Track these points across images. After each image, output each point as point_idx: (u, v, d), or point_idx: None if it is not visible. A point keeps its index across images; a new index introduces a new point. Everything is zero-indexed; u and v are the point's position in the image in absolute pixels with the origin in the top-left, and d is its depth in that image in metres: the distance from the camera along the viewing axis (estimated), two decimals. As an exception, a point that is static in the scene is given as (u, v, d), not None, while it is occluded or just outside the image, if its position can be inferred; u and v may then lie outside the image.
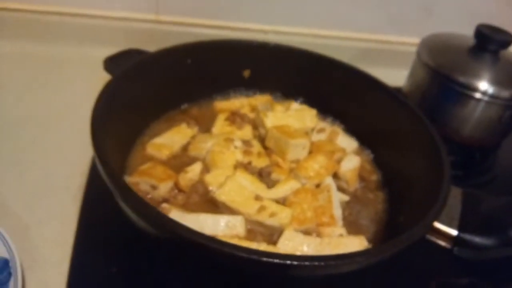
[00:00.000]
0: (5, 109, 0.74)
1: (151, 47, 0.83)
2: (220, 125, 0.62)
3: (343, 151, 0.60)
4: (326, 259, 0.35)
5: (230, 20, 0.95)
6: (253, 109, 0.66)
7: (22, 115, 0.72)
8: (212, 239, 0.36)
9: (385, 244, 0.39)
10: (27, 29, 0.88)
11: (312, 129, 0.64)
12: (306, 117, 0.64)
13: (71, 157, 0.66)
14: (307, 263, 0.34)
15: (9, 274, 0.46)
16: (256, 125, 0.62)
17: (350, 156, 0.59)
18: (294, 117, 0.62)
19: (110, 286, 0.50)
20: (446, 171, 0.46)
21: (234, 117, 0.62)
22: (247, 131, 0.62)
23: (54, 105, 0.76)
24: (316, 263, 0.34)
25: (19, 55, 0.86)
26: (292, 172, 0.55)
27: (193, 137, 0.60)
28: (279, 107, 0.64)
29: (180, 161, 0.57)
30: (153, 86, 0.59)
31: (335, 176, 0.57)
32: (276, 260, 0.34)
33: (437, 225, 0.43)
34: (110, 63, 0.56)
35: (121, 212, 0.42)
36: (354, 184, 0.57)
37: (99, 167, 0.41)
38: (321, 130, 0.64)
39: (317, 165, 0.55)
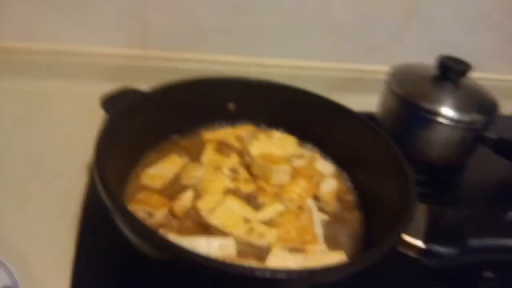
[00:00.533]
0: (1, 142, 0.77)
1: (140, 80, 0.88)
2: (209, 155, 0.67)
3: (322, 175, 0.66)
4: (311, 272, 0.40)
5: (215, 53, 1.01)
6: (238, 138, 0.71)
7: (16, 148, 0.75)
8: (211, 259, 0.40)
9: (360, 257, 0.44)
10: (19, 66, 0.92)
11: (293, 156, 0.70)
12: (287, 144, 0.69)
13: (65, 187, 0.69)
14: (293, 275, 0.39)
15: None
16: (242, 153, 0.67)
17: (328, 179, 0.65)
18: (276, 145, 0.67)
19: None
20: (412, 190, 0.52)
21: (221, 147, 0.68)
22: (233, 159, 0.67)
23: (48, 139, 0.79)
24: (300, 275, 0.39)
25: (12, 91, 0.89)
26: (277, 196, 0.60)
27: (184, 166, 0.65)
28: (262, 136, 0.69)
29: (173, 189, 0.61)
30: (146, 121, 0.64)
31: (315, 198, 0.62)
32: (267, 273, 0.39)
33: (406, 237, 0.49)
34: (107, 103, 0.61)
35: (121, 237, 0.46)
36: (332, 205, 0.62)
37: (104, 196, 0.45)
38: (300, 156, 0.70)
39: (298, 188, 0.60)
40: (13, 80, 0.91)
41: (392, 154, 0.60)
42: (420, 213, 0.52)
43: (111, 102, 0.60)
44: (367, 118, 0.69)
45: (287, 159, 0.67)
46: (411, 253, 0.49)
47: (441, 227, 0.51)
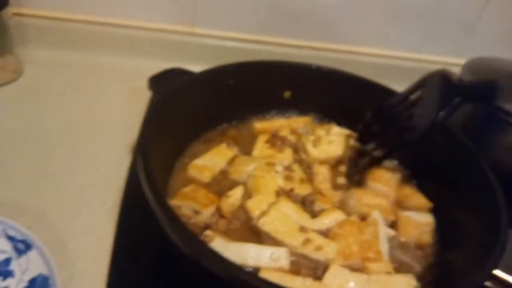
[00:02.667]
0: (43, 117, 0.74)
1: (186, 59, 0.83)
2: (260, 147, 0.61)
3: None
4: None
5: (266, 34, 0.94)
6: (293, 131, 0.64)
7: (59, 124, 0.73)
8: (262, 280, 0.35)
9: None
10: (67, 37, 0.89)
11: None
12: (347, 142, 0.62)
13: (107, 170, 0.66)
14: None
15: (48, 291, 0.46)
16: (296, 149, 0.61)
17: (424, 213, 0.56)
18: (336, 143, 0.60)
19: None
20: (503, 214, 0.44)
21: (275, 140, 0.61)
22: (287, 154, 0.60)
23: (91, 115, 0.76)
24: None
25: (58, 63, 0.87)
26: (339, 202, 0.54)
27: (233, 159, 0.59)
28: (320, 131, 0.62)
29: (220, 184, 0.56)
30: (195, 106, 0.59)
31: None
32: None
33: (495, 271, 0.41)
34: (154, 82, 0.55)
35: (161, 232, 0.42)
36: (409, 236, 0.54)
37: (148, 194, 0.41)
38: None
39: (375, 201, 0.54)
40: (58, 52, 0.88)
41: (475, 166, 0.52)
42: (511, 241, 0.43)
43: (158, 82, 0.55)
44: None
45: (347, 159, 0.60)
46: (498, 290, 0.41)
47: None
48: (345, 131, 0.64)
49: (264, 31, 0.92)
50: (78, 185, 0.62)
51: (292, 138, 0.63)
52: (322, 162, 0.59)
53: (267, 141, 0.61)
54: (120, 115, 0.77)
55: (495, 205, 0.45)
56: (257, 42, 0.93)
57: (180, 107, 0.55)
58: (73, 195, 0.61)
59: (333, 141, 0.60)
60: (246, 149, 0.62)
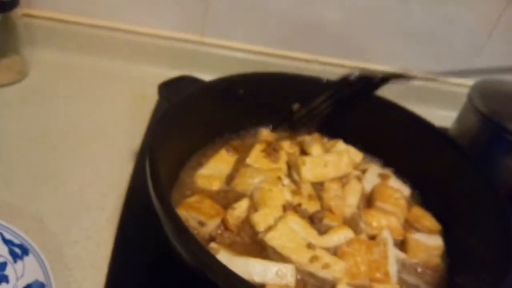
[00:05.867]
0: (45, 120, 0.73)
1: (194, 68, 0.82)
2: (255, 155, 0.59)
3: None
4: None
5: (274, 47, 0.94)
6: (295, 143, 0.63)
7: (61, 127, 0.71)
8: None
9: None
10: (74, 41, 0.88)
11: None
12: (343, 162, 0.60)
13: (108, 176, 0.64)
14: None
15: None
16: (290, 165, 0.59)
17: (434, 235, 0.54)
18: (332, 165, 0.58)
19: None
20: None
21: (270, 150, 0.60)
22: (282, 165, 0.59)
23: (94, 120, 0.75)
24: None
25: (64, 66, 0.86)
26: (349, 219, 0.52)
27: (238, 170, 0.58)
28: (317, 150, 0.61)
29: (226, 195, 0.55)
30: (203, 115, 0.58)
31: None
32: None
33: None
34: (164, 88, 0.55)
35: (163, 240, 0.40)
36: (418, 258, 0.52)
37: (155, 200, 0.39)
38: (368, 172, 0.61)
39: (385, 221, 0.52)
40: (65, 54, 0.88)
41: (485, 188, 0.51)
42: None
43: (169, 89, 0.54)
44: (454, 139, 0.60)
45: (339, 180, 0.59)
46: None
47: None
48: (346, 149, 0.63)
49: (273, 43, 0.92)
50: (78, 190, 0.61)
51: (290, 150, 0.61)
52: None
53: (263, 150, 0.60)
54: (124, 121, 0.76)
55: (507, 227, 0.44)
56: (266, 54, 0.93)
57: (189, 115, 0.55)
58: (73, 200, 0.59)
59: (329, 163, 0.58)
60: (245, 158, 0.60)
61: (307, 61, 0.94)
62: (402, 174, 0.63)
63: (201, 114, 0.57)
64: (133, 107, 0.80)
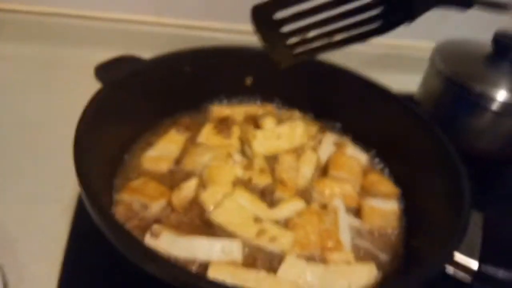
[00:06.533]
0: (-1, 112, 0.71)
1: (152, 50, 0.79)
2: (206, 133, 0.58)
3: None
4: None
5: (236, 22, 0.90)
6: (249, 118, 0.61)
7: (13, 119, 0.69)
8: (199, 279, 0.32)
9: (397, 280, 0.34)
10: (24, 30, 0.85)
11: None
12: (297, 133, 0.58)
13: (64, 167, 0.62)
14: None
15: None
16: (243, 140, 0.58)
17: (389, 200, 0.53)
18: (285, 137, 0.57)
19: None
20: (466, 196, 0.41)
21: (222, 126, 0.58)
22: (234, 142, 0.57)
23: (48, 110, 0.72)
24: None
25: (15, 57, 0.83)
26: (301, 191, 0.51)
27: (186, 148, 0.56)
28: (269, 123, 0.59)
29: (174, 176, 0.53)
30: (148, 96, 0.55)
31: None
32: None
33: (456, 256, 0.38)
34: (102, 71, 0.52)
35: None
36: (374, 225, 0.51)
37: (83, 196, 0.38)
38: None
39: (339, 189, 0.51)
40: (15, 46, 0.84)
41: (441, 149, 0.49)
42: (475, 224, 0.41)
43: (106, 71, 0.52)
44: (409, 101, 0.58)
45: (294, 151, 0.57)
46: (461, 275, 0.39)
47: (501, 242, 0.40)
48: (298, 123, 0.61)
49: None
50: (31, 182, 0.59)
51: (244, 125, 0.59)
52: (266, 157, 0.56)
53: (214, 127, 0.58)
54: (79, 111, 0.74)
55: (458, 189, 0.43)
56: (225, 30, 0.90)
57: (130, 96, 0.52)
58: (25, 193, 0.58)
59: (282, 135, 0.57)
60: (196, 136, 0.58)
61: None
62: (362, 141, 0.62)
63: (144, 94, 0.55)
64: (89, 95, 0.77)
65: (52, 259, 0.50)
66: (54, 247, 0.51)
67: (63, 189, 0.59)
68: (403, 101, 0.58)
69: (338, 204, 0.49)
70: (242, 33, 0.89)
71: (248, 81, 0.64)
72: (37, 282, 0.48)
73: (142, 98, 0.54)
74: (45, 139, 0.66)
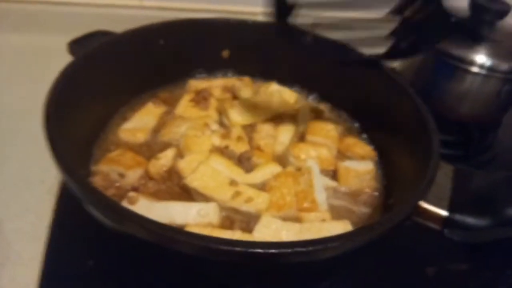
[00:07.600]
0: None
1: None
2: (183, 106, 0.58)
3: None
4: (293, 246, 0.32)
5: (219, 3, 0.90)
6: (227, 90, 0.62)
7: (1, 105, 0.69)
8: (167, 229, 0.32)
9: (364, 228, 0.35)
10: (7, 19, 0.85)
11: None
12: (274, 103, 0.58)
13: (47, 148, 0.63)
14: (273, 250, 0.31)
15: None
16: (220, 111, 0.58)
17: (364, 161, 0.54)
18: (261, 105, 0.57)
19: (86, 280, 0.47)
20: (434, 147, 0.42)
21: (199, 98, 0.58)
22: (212, 113, 0.58)
23: (30, 97, 0.72)
24: (285, 250, 0.31)
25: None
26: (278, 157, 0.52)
27: (164, 120, 0.57)
28: (247, 93, 0.59)
29: (151, 147, 0.53)
30: (123, 70, 0.55)
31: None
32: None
33: (426, 205, 0.39)
34: (75, 46, 0.52)
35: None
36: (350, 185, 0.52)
37: (57, 166, 0.38)
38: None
39: (314, 153, 0.51)
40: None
41: (410, 104, 0.50)
42: (445, 175, 0.42)
43: (79, 46, 0.52)
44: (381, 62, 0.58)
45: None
46: (431, 224, 0.39)
47: (470, 193, 0.41)
48: (283, 88, 0.61)
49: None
50: (17, 165, 0.60)
51: (222, 97, 0.60)
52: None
53: (192, 99, 0.58)
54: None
55: (427, 139, 0.44)
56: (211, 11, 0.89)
57: (103, 70, 0.52)
58: (10, 174, 0.58)
59: (258, 104, 0.57)
60: (174, 109, 0.59)
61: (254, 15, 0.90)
62: (339, 108, 0.62)
63: (120, 69, 0.55)
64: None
65: (37, 238, 0.51)
66: (39, 226, 0.52)
67: (47, 171, 0.59)
68: (373, 60, 0.57)
69: (312, 164, 0.49)
70: (226, 14, 0.90)
71: (225, 54, 0.64)
72: (22, 260, 0.49)
73: (118, 72, 0.54)
74: (29, 125, 0.66)
